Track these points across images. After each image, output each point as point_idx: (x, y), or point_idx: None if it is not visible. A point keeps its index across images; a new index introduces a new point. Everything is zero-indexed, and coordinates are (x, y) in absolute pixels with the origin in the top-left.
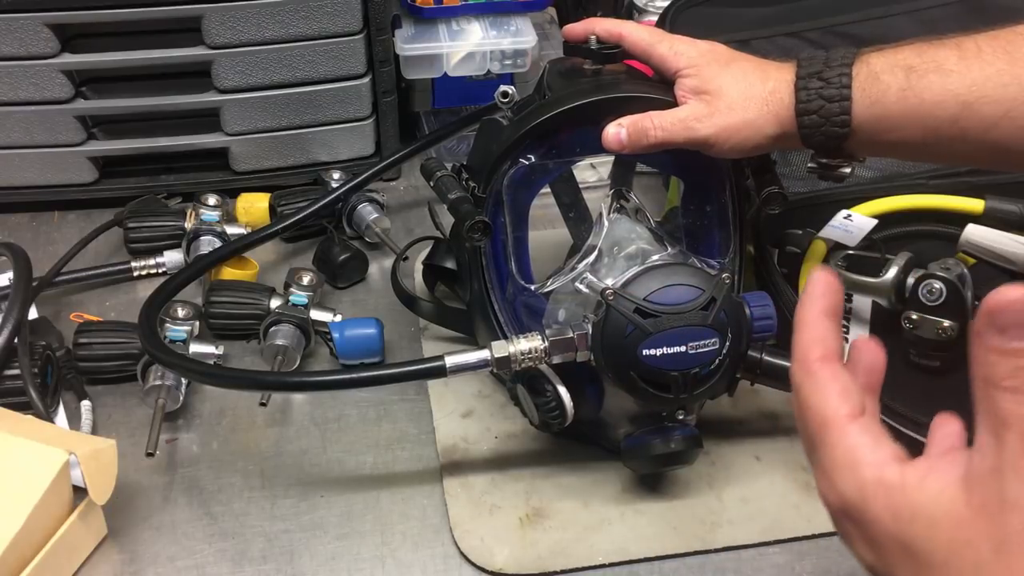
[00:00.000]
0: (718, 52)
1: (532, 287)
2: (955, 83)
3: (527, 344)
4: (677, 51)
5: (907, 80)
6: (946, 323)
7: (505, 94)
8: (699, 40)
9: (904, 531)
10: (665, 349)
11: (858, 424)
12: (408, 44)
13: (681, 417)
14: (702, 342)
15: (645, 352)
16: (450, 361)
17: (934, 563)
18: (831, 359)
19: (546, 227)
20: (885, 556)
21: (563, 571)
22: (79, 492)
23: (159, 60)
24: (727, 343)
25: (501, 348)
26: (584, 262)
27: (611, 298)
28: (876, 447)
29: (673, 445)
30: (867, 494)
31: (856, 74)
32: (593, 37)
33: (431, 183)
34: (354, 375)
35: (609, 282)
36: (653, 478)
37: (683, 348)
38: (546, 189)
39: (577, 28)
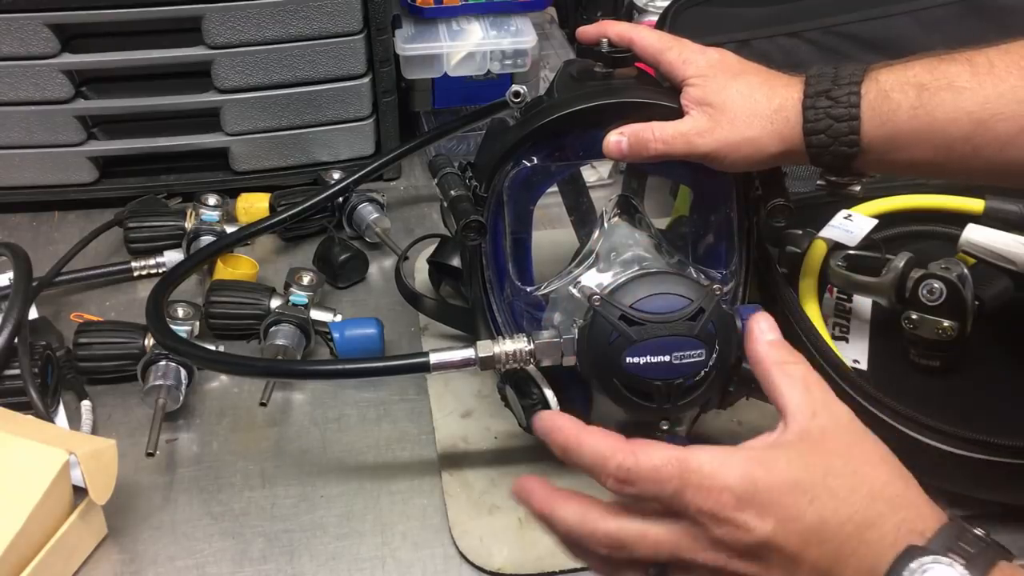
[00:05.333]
0: (727, 63)
1: (529, 289)
2: (968, 101)
3: (512, 346)
4: (685, 59)
5: (918, 98)
6: (946, 323)
7: (517, 94)
8: (710, 48)
9: None
10: (649, 358)
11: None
12: (408, 44)
13: (666, 428)
14: (687, 353)
15: (628, 360)
16: (434, 358)
17: None
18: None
19: (557, 227)
20: None
21: (562, 571)
22: (79, 492)
23: (159, 60)
24: (714, 355)
25: (486, 348)
26: (581, 266)
27: (598, 303)
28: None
29: None
30: None
31: (865, 92)
32: (605, 40)
33: (435, 180)
34: (340, 366)
35: (599, 287)
36: None
37: (667, 358)
38: (555, 188)
39: (590, 30)
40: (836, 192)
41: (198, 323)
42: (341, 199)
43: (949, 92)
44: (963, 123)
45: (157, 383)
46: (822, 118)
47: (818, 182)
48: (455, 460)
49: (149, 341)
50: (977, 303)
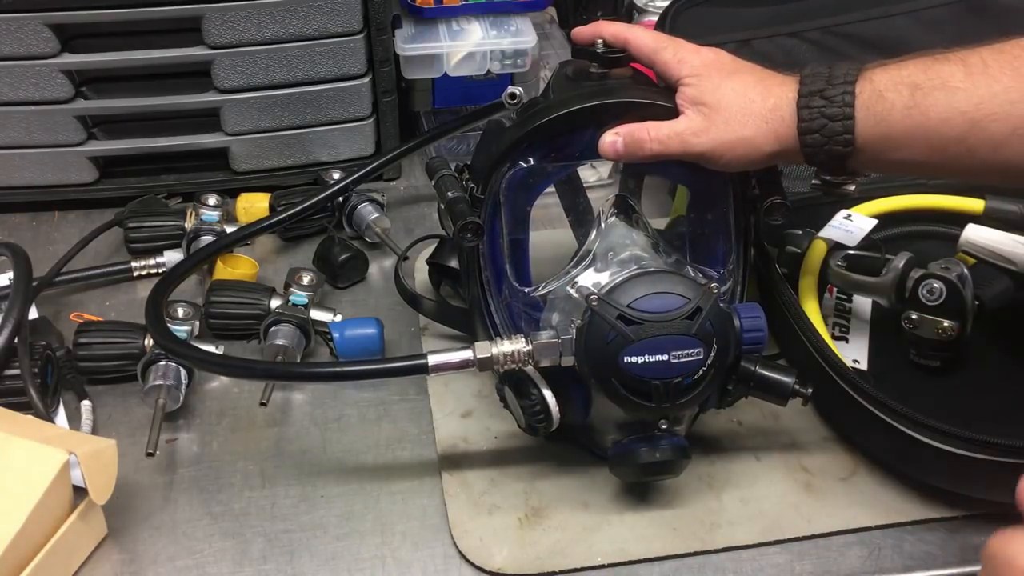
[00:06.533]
0: (722, 63)
1: (526, 290)
2: (962, 101)
3: (510, 347)
4: (680, 59)
5: (912, 98)
6: (946, 323)
7: (513, 95)
8: (704, 48)
9: None
10: (647, 357)
11: None
12: (408, 44)
13: (665, 427)
14: (685, 352)
15: (626, 359)
16: (432, 359)
17: None
18: None
19: (554, 227)
20: None
21: (562, 571)
22: (79, 492)
23: (159, 60)
24: (712, 354)
25: (484, 349)
26: (579, 266)
27: (595, 303)
28: None
29: (659, 455)
30: None
31: (860, 92)
32: (600, 41)
33: (432, 181)
34: (339, 369)
35: (597, 287)
36: None
37: (665, 357)
38: (552, 188)
39: (585, 31)
40: (831, 192)
41: (198, 323)
42: (341, 199)
43: (943, 92)
44: (957, 123)
45: (157, 383)
46: (816, 117)
47: (813, 181)
48: (455, 460)
49: (149, 341)
50: (977, 303)
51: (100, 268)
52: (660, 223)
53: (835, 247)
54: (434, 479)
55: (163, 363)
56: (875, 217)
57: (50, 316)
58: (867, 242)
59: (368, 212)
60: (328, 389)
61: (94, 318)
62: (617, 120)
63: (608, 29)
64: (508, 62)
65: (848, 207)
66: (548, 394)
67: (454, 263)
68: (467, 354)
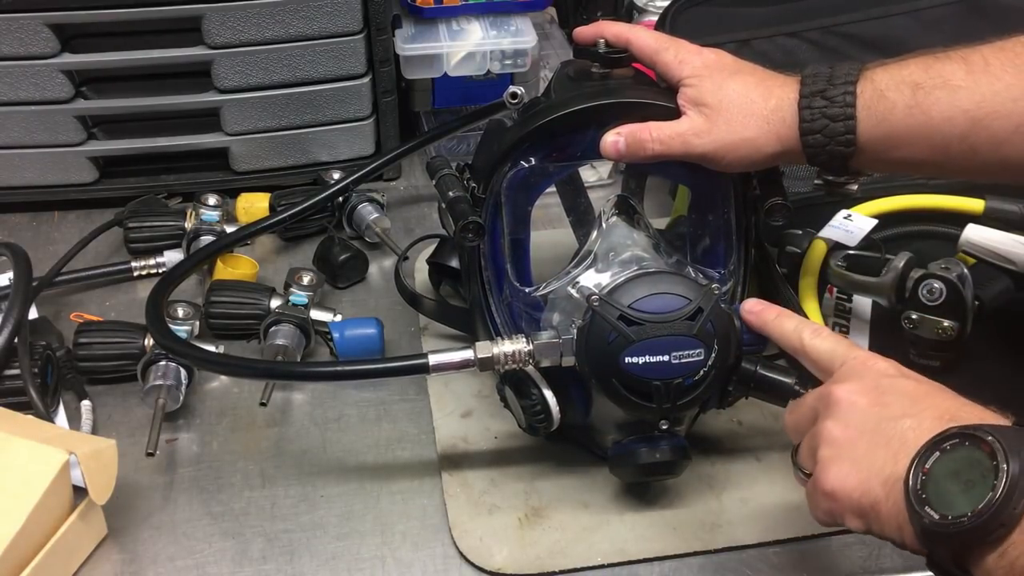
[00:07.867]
0: (723, 63)
1: (527, 290)
2: (963, 99)
3: (511, 346)
4: (682, 59)
5: (914, 97)
6: (946, 323)
7: (514, 95)
8: (706, 49)
9: None
10: (648, 358)
11: None
12: (408, 44)
13: (665, 427)
14: (686, 352)
15: (627, 360)
16: (433, 359)
17: None
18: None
19: (555, 227)
20: None
21: (562, 571)
22: (79, 492)
23: (159, 60)
24: (713, 354)
25: (485, 349)
26: (580, 266)
27: (596, 304)
28: None
29: (659, 455)
30: None
31: (861, 92)
32: (602, 41)
33: (433, 181)
34: (339, 368)
35: (598, 287)
36: None
37: (666, 357)
38: (553, 188)
39: (587, 31)
40: (833, 191)
41: (198, 323)
42: (341, 199)
43: (944, 91)
44: (959, 121)
45: (157, 383)
46: (818, 118)
47: (815, 181)
48: (455, 460)
49: (149, 341)
50: (977, 303)
51: (100, 268)
52: (661, 223)
53: (835, 247)
54: (434, 479)
55: (163, 363)
56: (875, 217)
57: (50, 316)
58: (867, 242)
59: (368, 212)
60: (328, 389)
61: (94, 318)
62: (618, 120)
63: (610, 29)
64: (508, 62)
65: (848, 207)
66: (549, 394)
67: (454, 263)
68: (468, 354)
